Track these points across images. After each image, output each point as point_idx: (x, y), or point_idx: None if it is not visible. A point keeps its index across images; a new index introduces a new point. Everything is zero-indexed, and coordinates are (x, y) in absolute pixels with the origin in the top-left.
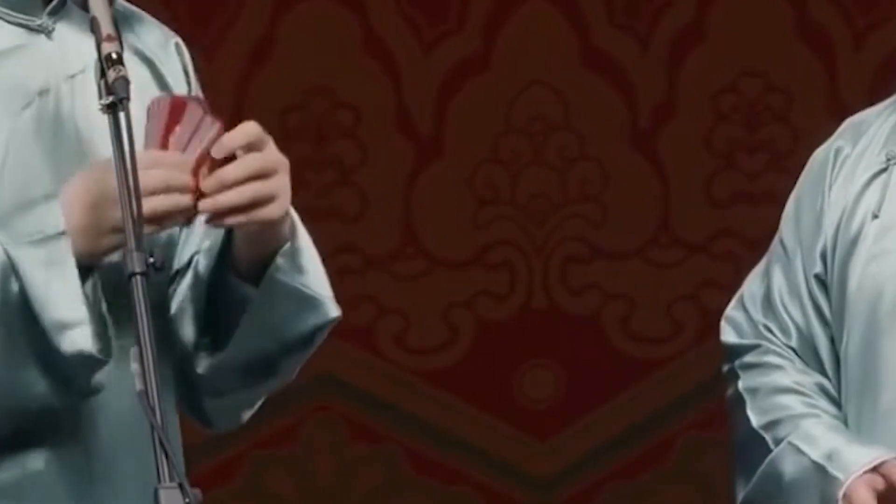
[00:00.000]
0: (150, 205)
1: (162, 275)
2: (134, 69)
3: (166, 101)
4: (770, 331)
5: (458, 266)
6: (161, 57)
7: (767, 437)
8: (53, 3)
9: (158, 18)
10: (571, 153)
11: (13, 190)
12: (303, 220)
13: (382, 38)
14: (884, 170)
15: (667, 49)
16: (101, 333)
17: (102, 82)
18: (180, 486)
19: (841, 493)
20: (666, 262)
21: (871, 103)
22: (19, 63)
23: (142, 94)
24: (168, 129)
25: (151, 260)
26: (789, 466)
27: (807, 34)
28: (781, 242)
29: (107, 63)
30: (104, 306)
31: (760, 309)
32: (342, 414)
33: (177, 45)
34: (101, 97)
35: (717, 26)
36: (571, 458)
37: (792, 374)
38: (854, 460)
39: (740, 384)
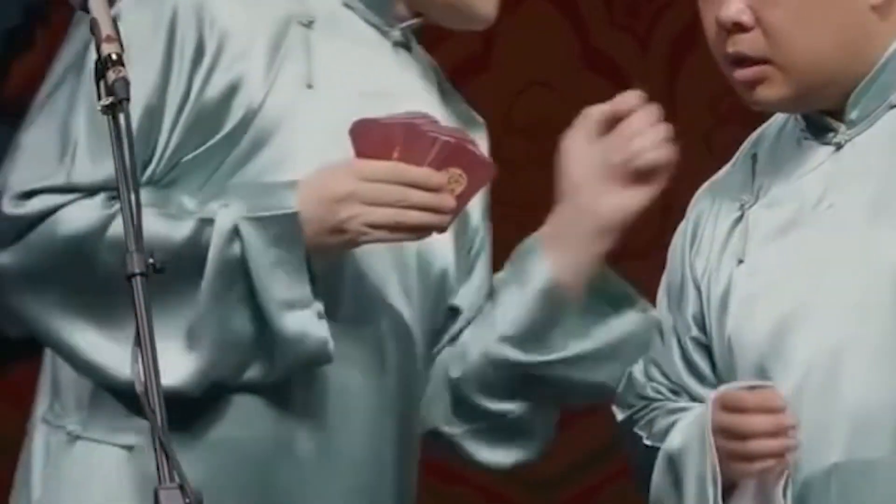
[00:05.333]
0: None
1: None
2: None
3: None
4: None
5: None
6: None
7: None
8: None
9: None
10: None
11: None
12: None
13: None
14: (740, 217)
15: (667, 49)
16: (323, 320)
17: (102, 83)
18: (181, 486)
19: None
20: (666, 263)
21: None
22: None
23: None
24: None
25: (151, 261)
26: (658, 427)
27: None
28: (658, 329)
29: (107, 64)
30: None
31: (641, 398)
32: None
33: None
34: (100, 98)
35: None
36: (571, 458)
37: (679, 402)
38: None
39: (635, 429)
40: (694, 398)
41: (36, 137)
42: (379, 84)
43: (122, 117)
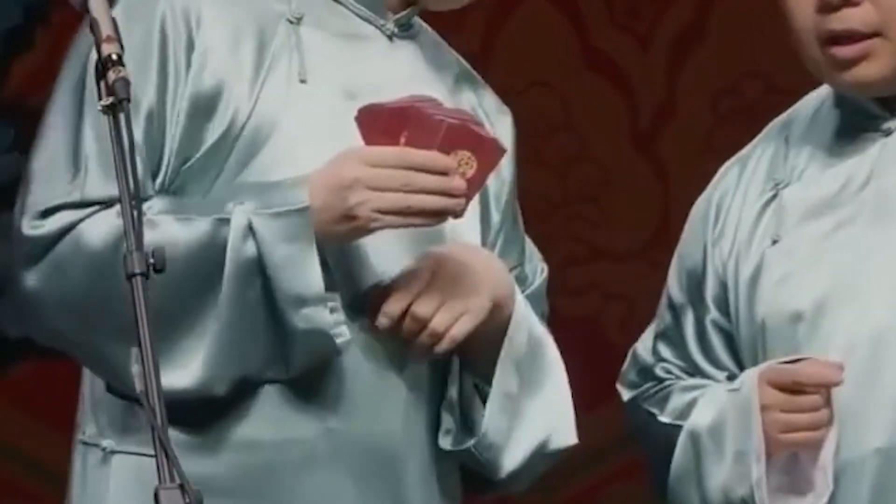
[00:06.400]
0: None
1: None
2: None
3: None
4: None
5: None
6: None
7: (683, 423)
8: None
9: None
10: (571, 153)
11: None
12: None
13: None
14: (774, 196)
15: (667, 49)
16: (337, 314)
17: (102, 83)
18: (181, 486)
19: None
20: (666, 263)
21: None
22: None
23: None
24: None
25: (151, 261)
26: (702, 418)
27: None
28: (670, 300)
29: (107, 64)
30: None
31: (650, 377)
32: None
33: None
34: (100, 98)
35: (718, 27)
36: (571, 458)
37: (693, 380)
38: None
39: (646, 406)
40: (708, 378)
41: (47, 158)
42: (369, 78)
43: (122, 117)
